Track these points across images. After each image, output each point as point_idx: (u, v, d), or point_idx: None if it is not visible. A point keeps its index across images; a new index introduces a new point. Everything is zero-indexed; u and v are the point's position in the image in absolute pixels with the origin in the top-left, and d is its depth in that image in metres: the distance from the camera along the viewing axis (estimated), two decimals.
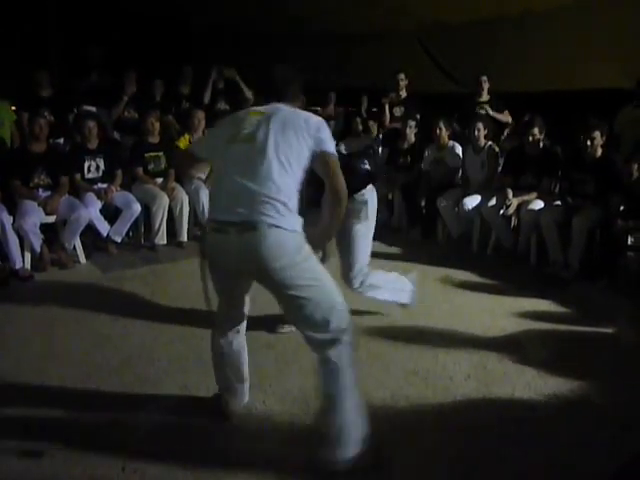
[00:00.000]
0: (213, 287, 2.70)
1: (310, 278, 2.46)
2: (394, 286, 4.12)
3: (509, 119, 7.22)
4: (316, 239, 2.60)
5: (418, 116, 7.30)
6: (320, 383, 2.55)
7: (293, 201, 2.45)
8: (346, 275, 3.84)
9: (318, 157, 2.52)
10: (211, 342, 2.89)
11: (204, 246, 2.59)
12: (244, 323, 2.88)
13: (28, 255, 5.08)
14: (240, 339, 2.88)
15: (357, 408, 2.54)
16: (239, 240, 2.38)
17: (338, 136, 7.94)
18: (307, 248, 2.49)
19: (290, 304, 2.52)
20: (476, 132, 6.23)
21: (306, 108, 7.16)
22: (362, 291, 3.93)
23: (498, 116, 7.15)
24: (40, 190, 5.39)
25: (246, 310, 2.85)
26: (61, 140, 6.52)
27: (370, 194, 3.84)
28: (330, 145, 2.54)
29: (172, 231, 6.04)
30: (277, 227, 2.36)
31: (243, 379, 2.96)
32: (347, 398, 2.51)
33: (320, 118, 2.60)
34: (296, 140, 2.47)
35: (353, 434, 2.52)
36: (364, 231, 3.83)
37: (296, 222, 2.45)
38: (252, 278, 2.63)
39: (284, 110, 2.58)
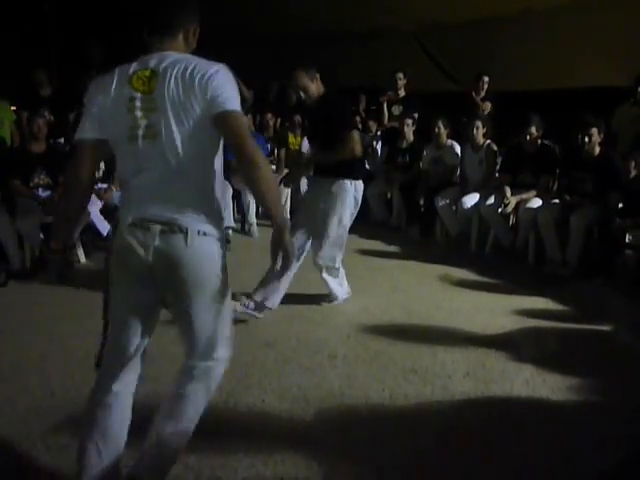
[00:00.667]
0: (111, 310, 2.39)
1: (217, 296, 2.16)
2: (342, 282, 4.46)
3: (485, 109, 7.24)
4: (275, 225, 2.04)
5: (416, 115, 7.33)
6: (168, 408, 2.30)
7: (217, 196, 2.11)
8: (314, 256, 4.24)
9: (219, 119, 1.99)
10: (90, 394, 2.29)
11: (113, 246, 2.17)
12: (138, 372, 2.34)
13: (28, 255, 5.09)
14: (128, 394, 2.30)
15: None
16: (161, 240, 2.02)
17: None
18: (224, 260, 2.16)
19: (186, 321, 2.25)
20: (474, 130, 6.24)
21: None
22: (322, 271, 4.32)
23: (477, 100, 7.19)
24: (40, 190, 5.41)
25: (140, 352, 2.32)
26: (62, 140, 6.54)
27: (355, 187, 4.15)
28: (230, 101, 2.00)
29: None
30: (205, 234, 2.05)
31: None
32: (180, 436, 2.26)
33: (217, 66, 2.05)
34: (201, 119, 1.98)
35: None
36: (335, 223, 4.13)
37: (221, 224, 2.14)
38: (158, 295, 2.23)
39: (174, 67, 2.01)
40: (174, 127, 1.98)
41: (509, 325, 4.18)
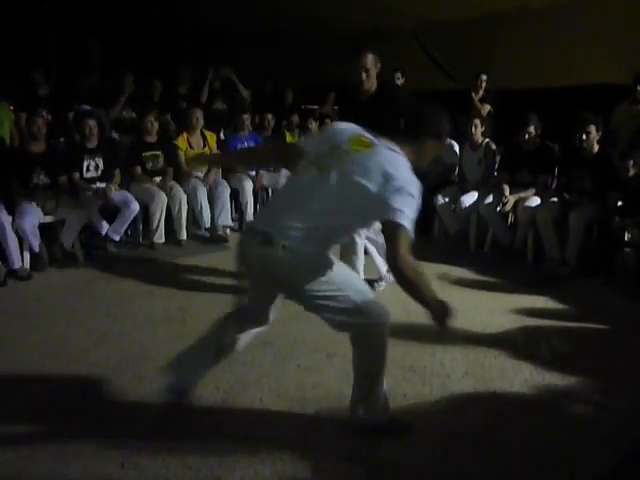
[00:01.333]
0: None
1: (330, 290, 2.45)
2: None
3: (483, 111, 7.23)
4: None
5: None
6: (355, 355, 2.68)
7: (325, 239, 2.44)
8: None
9: (388, 225, 2.32)
10: (216, 329, 2.82)
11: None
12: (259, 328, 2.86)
13: (27, 255, 5.08)
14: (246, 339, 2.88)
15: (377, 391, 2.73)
16: (258, 250, 2.39)
17: None
18: (326, 269, 2.45)
19: (312, 310, 2.58)
20: (473, 129, 6.24)
21: (304, 106, 7.22)
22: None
23: (475, 102, 7.19)
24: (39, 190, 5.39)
25: (270, 317, 2.81)
26: (61, 140, 6.52)
27: None
28: (404, 218, 2.27)
29: (170, 230, 6.06)
30: (293, 250, 2.32)
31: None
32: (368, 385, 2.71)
33: (416, 181, 2.37)
34: (369, 204, 2.33)
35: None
36: None
37: (319, 251, 2.43)
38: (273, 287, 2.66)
39: (390, 155, 2.39)
40: (343, 183, 2.33)
41: (508, 324, 4.18)
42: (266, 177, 7.10)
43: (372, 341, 2.63)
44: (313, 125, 7.70)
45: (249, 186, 6.68)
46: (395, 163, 2.36)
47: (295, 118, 7.80)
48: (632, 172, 5.14)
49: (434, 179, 6.58)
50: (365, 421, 2.74)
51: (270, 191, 7.27)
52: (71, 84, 7.27)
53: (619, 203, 5.12)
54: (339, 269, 2.52)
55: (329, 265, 2.47)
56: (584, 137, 5.21)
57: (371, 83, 4.17)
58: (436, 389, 3.26)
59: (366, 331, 2.58)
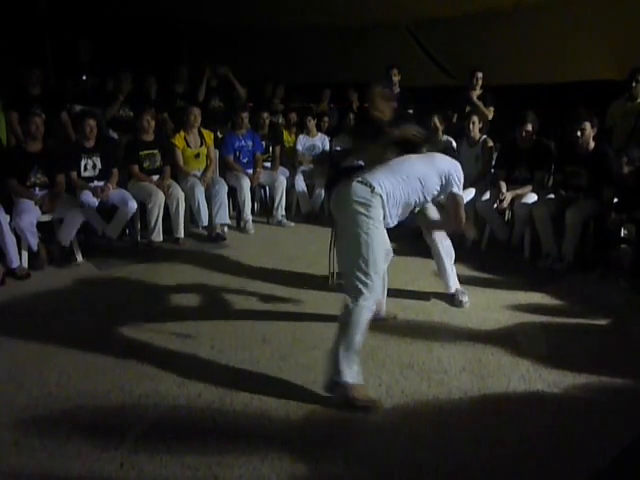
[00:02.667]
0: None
1: (354, 233, 3.11)
2: None
3: (489, 115, 7.22)
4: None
5: (411, 110, 7.34)
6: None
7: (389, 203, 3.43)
8: None
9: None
10: None
11: None
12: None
13: (25, 254, 5.09)
14: None
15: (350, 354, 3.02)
16: None
17: (332, 133, 7.99)
18: (365, 218, 3.16)
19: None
20: (471, 125, 6.24)
21: (301, 105, 7.21)
22: None
23: (481, 107, 7.17)
24: (37, 189, 5.40)
25: None
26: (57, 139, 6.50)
27: None
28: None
29: (168, 228, 6.06)
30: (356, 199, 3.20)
31: None
32: (344, 342, 3.01)
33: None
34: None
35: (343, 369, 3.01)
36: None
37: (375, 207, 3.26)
38: None
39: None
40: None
41: (505, 320, 4.19)
42: (263, 175, 7.11)
43: (353, 313, 3.02)
44: (311, 123, 7.70)
45: (246, 184, 6.69)
46: None
47: (293, 116, 7.80)
48: (626, 169, 5.15)
49: None
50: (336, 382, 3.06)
51: (267, 189, 7.28)
52: (66, 84, 7.26)
53: (615, 199, 5.13)
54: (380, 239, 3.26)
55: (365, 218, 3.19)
56: (579, 134, 5.23)
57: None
58: (434, 385, 3.27)
59: (355, 300, 3.02)
